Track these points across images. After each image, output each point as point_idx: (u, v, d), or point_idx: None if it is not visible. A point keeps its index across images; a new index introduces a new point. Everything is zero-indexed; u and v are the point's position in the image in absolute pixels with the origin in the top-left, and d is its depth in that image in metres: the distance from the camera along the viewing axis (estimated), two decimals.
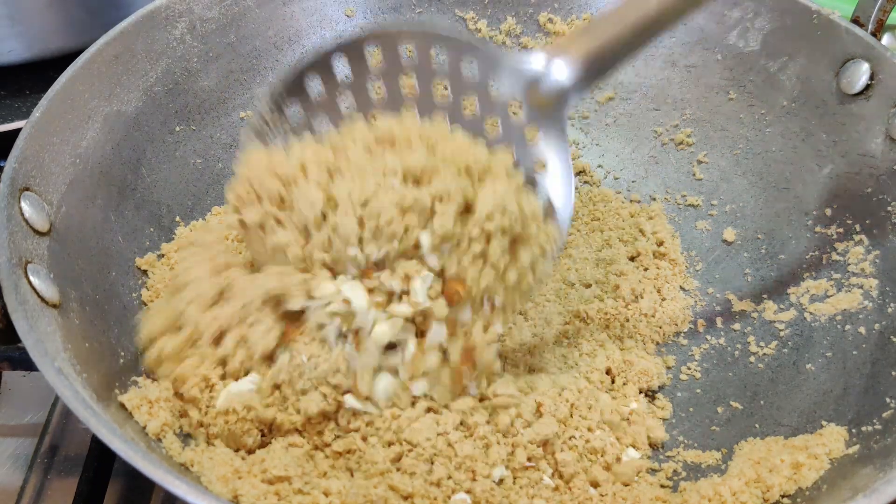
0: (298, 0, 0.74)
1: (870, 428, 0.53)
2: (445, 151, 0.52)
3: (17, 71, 0.81)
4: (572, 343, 0.64)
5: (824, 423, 0.55)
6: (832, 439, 0.53)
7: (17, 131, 0.55)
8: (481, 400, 0.54)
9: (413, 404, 0.52)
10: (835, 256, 0.64)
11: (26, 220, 0.51)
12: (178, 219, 0.66)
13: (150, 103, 0.65)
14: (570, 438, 0.54)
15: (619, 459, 0.55)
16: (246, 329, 0.50)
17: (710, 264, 0.71)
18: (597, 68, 0.52)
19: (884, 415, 0.53)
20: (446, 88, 0.56)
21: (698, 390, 0.63)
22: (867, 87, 0.64)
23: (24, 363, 0.56)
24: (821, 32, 0.67)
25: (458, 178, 0.51)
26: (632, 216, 0.74)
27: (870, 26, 0.65)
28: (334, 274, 0.50)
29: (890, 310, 0.59)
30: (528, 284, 0.53)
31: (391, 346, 0.51)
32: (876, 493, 0.44)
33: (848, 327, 0.61)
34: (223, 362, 0.51)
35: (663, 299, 0.68)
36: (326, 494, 0.48)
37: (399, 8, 0.77)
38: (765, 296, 0.67)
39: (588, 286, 0.69)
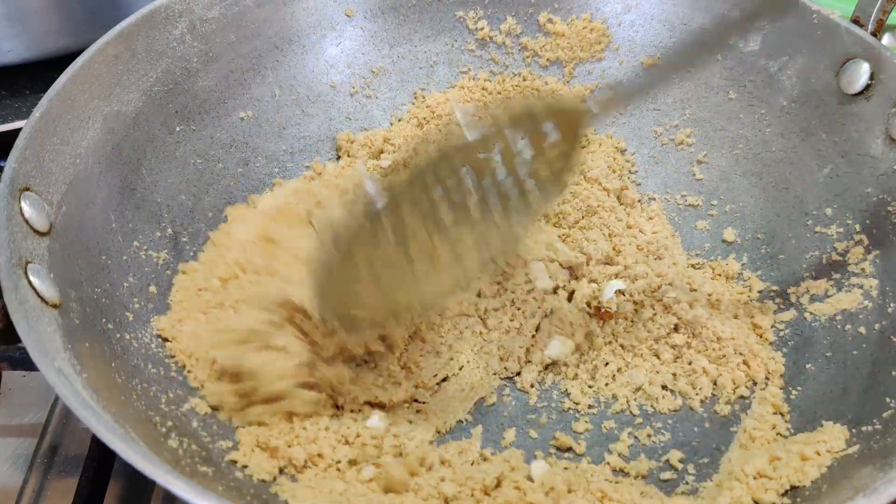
0: (298, 0, 0.74)
1: (870, 428, 0.53)
2: None
3: (17, 71, 0.80)
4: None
5: (824, 422, 0.55)
6: (833, 437, 0.53)
7: (17, 131, 0.54)
8: None
9: None
10: (835, 256, 0.64)
11: (26, 221, 0.51)
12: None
13: (150, 103, 0.65)
14: None
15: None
16: None
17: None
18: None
19: (884, 414, 0.53)
20: None
21: None
22: (867, 86, 0.64)
23: (24, 363, 0.56)
24: (821, 32, 0.67)
25: None
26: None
27: (870, 26, 0.65)
28: None
29: (890, 310, 0.59)
30: None
31: None
32: (876, 493, 0.44)
33: (848, 327, 0.61)
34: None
35: None
36: None
37: (398, 7, 0.77)
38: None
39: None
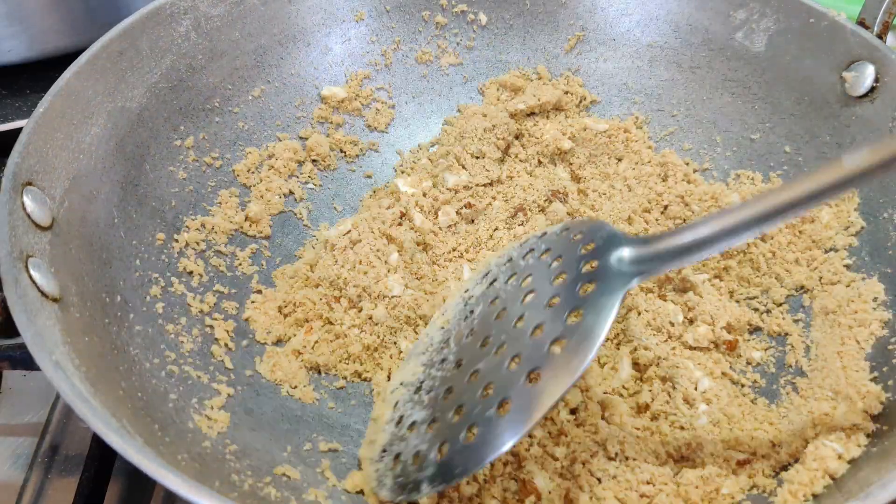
0: None
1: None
2: None
3: (17, 71, 0.81)
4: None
5: None
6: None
7: (16, 131, 0.55)
8: None
9: None
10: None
11: (28, 215, 0.51)
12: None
13: (154, 100, 0.65)
14: None
15: None
16: None
17: None
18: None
19: None
20: None
21: None
22: (872, 89, 0.64)
23: (25, 362, 0.56)
24: (826, 34, 0.67)
25: None
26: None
27: (875, 28, 0.65)
28: None
29: (891, 314, 0.59)
30: None
31: None
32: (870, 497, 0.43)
33: None
34: None
35: None
36: None
37: (403, 6, 0.77)
38: None
39: None
